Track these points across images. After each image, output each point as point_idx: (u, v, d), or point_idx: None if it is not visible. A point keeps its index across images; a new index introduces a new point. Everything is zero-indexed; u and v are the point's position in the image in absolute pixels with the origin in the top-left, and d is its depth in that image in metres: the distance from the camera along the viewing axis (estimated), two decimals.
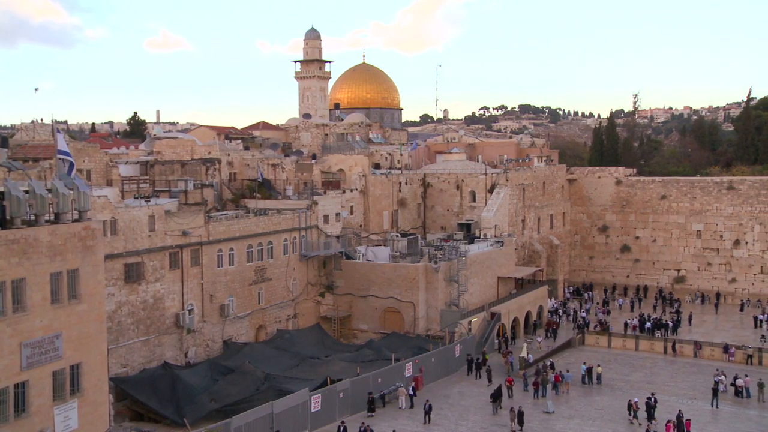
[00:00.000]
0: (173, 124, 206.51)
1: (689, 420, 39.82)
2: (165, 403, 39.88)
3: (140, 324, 43.73)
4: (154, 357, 44.46)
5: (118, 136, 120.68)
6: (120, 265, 42.28)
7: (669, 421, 39.72)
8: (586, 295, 79.50)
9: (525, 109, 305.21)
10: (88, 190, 32.55)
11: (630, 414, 42.07)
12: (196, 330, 47.53)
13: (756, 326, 66.15)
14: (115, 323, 41.71)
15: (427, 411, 41.00)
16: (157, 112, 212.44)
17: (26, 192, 28.91)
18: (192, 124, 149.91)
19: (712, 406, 44.80)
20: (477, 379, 49.34)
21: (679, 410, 40.82)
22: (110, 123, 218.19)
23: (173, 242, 45.85)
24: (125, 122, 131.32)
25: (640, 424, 40.69)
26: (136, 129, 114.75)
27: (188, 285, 47.10)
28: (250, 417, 35.80)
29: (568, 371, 49.43)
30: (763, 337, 62.11)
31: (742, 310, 73.45)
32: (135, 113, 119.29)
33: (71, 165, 34.70)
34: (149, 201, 46.40)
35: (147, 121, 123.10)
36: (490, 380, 48.08)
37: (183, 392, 40.44)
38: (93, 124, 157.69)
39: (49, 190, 29.87)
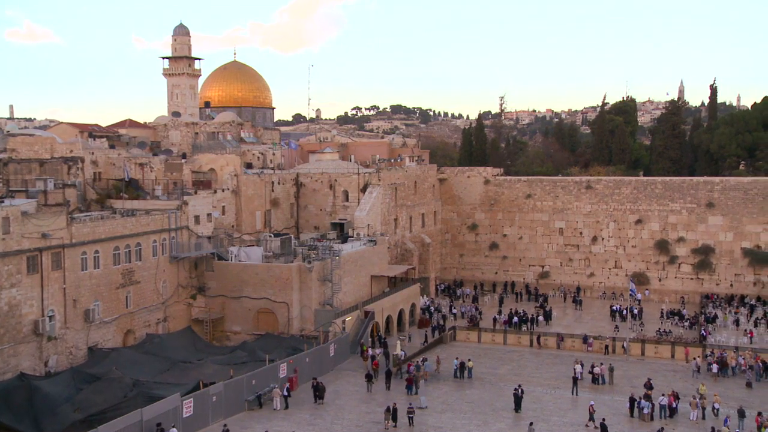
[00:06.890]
0: (30, 120, 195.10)
1: None
2: (20, 417, 37.37)
3: None
4: (9, 368, 41.71)
5: None
6: None
7: None
8: (458, 291, 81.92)
9: (396, 109, 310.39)
10: None
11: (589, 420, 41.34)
12: (57, 337, 45.10)
13: (613, 318, 70.47)
14: None
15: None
16: (11, 107, 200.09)
17: None
18: (51, 121, 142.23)
19: (572, 393, 47.43)
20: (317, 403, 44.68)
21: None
22: None
23: (31, 245, 43.25)
24: None
25: (596, 428, 39.88)
26: None
27: (49, 290, 44.59)
28: (118, 426, 34.37)
29: (425, 360, 50.95)
30: (617, 327, 66.29)
31: (573, 301, 77.22)
32: None
33: None
34: (3, 201, 43.71)
35: None
36: (321, 397, 44.85)
37: (42, 404, 38.18)
38: None
39: None
